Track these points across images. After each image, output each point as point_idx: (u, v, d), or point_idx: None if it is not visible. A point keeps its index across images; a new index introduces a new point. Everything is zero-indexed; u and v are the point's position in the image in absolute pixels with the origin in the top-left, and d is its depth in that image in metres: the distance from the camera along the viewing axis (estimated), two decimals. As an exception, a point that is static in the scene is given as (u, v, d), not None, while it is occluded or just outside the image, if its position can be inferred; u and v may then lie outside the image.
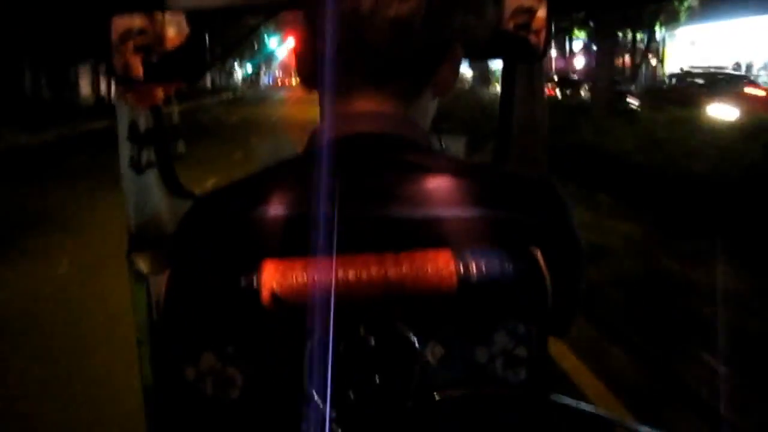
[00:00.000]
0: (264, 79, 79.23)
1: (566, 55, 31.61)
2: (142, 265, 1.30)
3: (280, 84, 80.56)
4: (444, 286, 0.58)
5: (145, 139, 1.35)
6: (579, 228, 0.69)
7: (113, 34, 1.25)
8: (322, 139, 0.69)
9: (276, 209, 0.64)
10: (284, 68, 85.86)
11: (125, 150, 1.33)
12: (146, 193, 1.34)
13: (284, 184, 0.67)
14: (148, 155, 1.35)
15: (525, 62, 1.34)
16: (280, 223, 0.64)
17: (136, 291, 1.27)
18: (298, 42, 0.72)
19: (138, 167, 1.33)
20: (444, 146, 1.35)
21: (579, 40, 30.36)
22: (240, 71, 66.02)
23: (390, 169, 0.66)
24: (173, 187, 1.39)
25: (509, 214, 0.65)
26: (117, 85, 1.32)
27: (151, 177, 1.35)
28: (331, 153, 0.64)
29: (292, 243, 0.62)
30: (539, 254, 0.61)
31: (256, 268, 0.59)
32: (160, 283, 0.61)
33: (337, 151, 0.65)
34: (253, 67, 70.95)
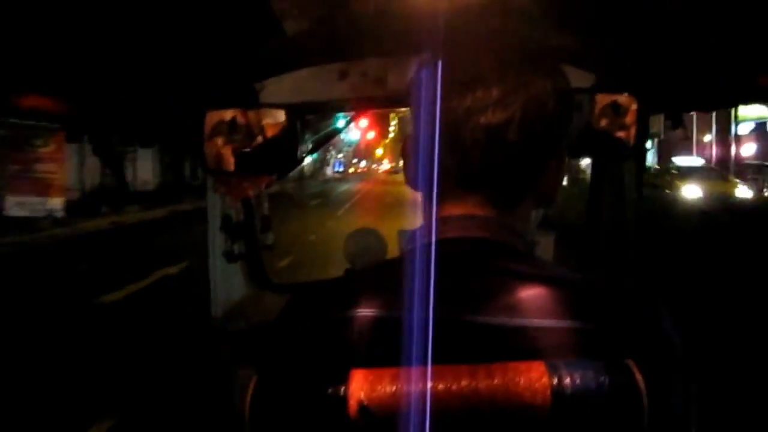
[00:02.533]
0: (332, 166, 60.87)
1: (730, 141, 25.70)
2: (226, 353, 1.34)
3: (352, 172, 64.62)
4: (537, 400, 0.57)
5: (236, 231, 1.41)
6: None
7: (206, 127, 1.35)
8: (416, 241, 0.70)
9: (367, 312, 0.64)
10: (359, 153, 73.45)
11: (217, 240, 1.40)
12: (234, 283, 1.40)
13: (376, 286, 0.67)
14: (239, 247, 1.41)
15: (615, 160, 1.32)
16: (371, 327, 0.64)
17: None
18: (378, 135, 0.74)
19: (230, 257, 1.40)
20: (534, 241, 1.34)
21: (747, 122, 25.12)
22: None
23: (484, 275, 0.66)
24: (260, 279, 1.44)
25: (603, 326, 0.63)
26: (209, 177, 1.41)
27: (240, 268, 1.41)
28: (425, 256, 0.64)
29: (382, 347, 0.61)
30: (635, 367, 0.59)
31: (344, 377, 0.59)
32: (243, 377, 0.62)
33: (432, 255, 0.65)
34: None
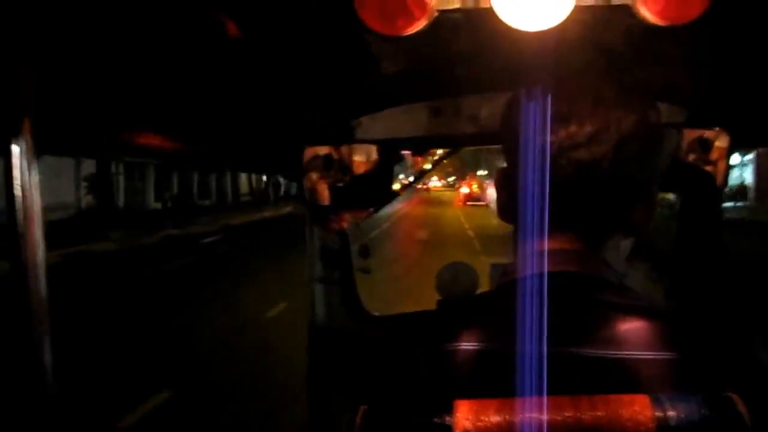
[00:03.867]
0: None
1: None
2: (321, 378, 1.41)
3: (471, 192, 50.53)
4: None
5: (333, 261, 1.50)
6: None
7: (304, 162, 1.44)
8: (514, 275, 0.71)
9: (469, 344, 0.67)
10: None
11: (318, 269, 1.49)
12: (330, 310, 1.47)
13: (476, 320, 0.69)
14: (335, 275, 1.49)
15: (703, 195, 1.29)
16: (474, 359, 0.66)
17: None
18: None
19: (328, 285, 1.48)
20: (624, 272, 1.33)
21: None
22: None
23: (582, 308, 0.67)
24: (354, 308, 1.51)
25: (701, 357, 0.64)
26: (307, 209, 1.51)
27: (336, 295, 1.49)
28: (526, 290, 0.66)
29: (484, 379, 0.64)
30: (738, 400, 0.59)
31: (449, 407, 0.61)
32: (340, 406, 0.66)
33: (531, 289, 0.67)
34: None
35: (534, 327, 0.63)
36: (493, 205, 0.87)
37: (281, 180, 36.38)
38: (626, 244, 0.78)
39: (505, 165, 0.76)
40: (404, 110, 1.46)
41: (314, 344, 1.49)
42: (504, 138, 0.75)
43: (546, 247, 0.71)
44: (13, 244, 0.81)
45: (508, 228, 0.78)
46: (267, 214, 26.87)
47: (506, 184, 0.74)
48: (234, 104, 1.28)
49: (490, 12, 0.71)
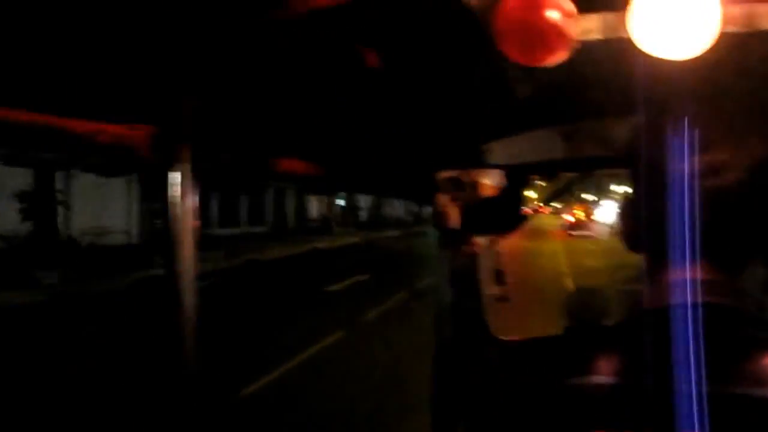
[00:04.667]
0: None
1: None
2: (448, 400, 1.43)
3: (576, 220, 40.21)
4: None
5: (462, 285, 1.51)
6: None
7: (434, 186, 1.47)
8: (647, 305, 0.68)
9: (600, 378, 0.64)
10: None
11: (446, 292, 1.51)
12: (457, 335, 1.48)
13: (609, 350, 0.67)
14: (464, 299, 1.50)
15: None
16: (607, 393, 0.63)
17: None
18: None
19: (458, 311, 1.49)
20: (762, 301, 1.25)
21: None
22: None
23: (727, 343, 0.64)
24: (482, 333, 1.51)
25: None
26: (439, 232, 1.54)
27: (464, 319, 1.49)
28: (659, 322, 0.63)
29: (618, 415, 0.61)
30: None
31: None
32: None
33: (668, 321, 0.64)
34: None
35: (675, 362, 0.60)
36: (601, 236, 0.82)
37: (360, 204, 35.37)
38: (763, 273, 0.72)
39: (630, 191, 0.74)
40: (534, 135, 1.47)
41: (439, 369, 1.49)
42: (631, 163, 0.73)
43: (683, 276, 0.68)
44: (168, 256, 0.99)
45: (620, 276, 0.73)
46: (321, 244, 22.96)
47: (633, 211, 0.72)
48: (370, 130, 1.33)
49: (629, 41, 0.71)
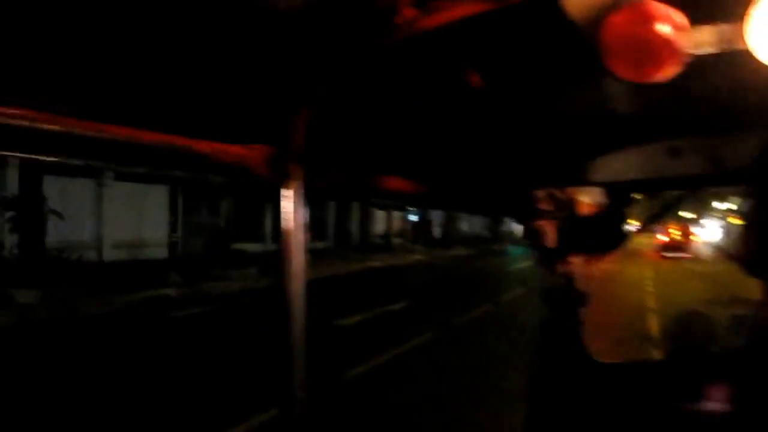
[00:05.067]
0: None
1: None
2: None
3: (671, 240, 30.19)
4: None
5: (558, 304, 1.48)
6: None
7: (532, 204, 1.45)
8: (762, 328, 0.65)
9: (712, 405, 0.62)
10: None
11: (542, 311, 1.49)
12: (551, 354, 1.46)
13: (724, 376, 0.65)
14: (560, 319, 1.48)
15: None
16: (718, 420, 0.61)
17: None
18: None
19: (552, 331, 1.47)
20: None
21: None
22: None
23: None
24: (578, 354, 1.47)
25: None
26: (534, 250, 1.52)
27: (560, 339, 1.47)
28: None
29: None
30: None
31: None
32: None
33: None
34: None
35: None
36: (702, 259, 0.76)
37: (434, 219, 33.99)
38: None
39: (743, 209, 0.70)
40: (638, 151, 1.42)
41: (534, 389, 1.47)
42: (758, 181, 0.69)
43: None
44: (279, 271, 1.07)
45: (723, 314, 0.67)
46: (377, 263, 21.19)
47: (758, 232, 0.68)
48: (469, 148, 1.34)
49: (745, 53, 0.68)
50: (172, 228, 15.98)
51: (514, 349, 6.60)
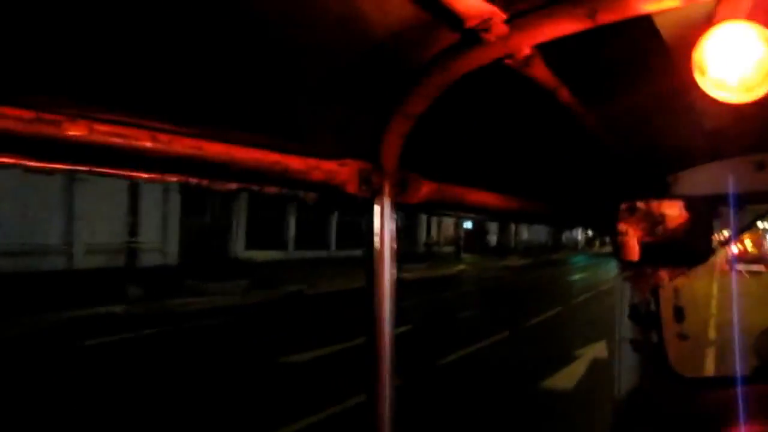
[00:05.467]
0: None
1: None
2: None
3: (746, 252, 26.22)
4: None
5: (644, 320, 1.47)
6: None
7: (618, 217, 1.44)
8: None
9: None
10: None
11: (624, 326, 1.48)
12: (636, 370, 1.44)
13: None
14: (646, 336, 1.46)
15: None
16: None
17: None
18: None
19: (637, 346, 1.46)
20: None
21: None
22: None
23: None
24: (665, 371, 1.45)
25: None
26: (619, 265, 1.51)
27: (645, 356, 1.45)
28: None
29: None
30: None
31: None
32: None
33: None
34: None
35: None
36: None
37: (489, 227, 32.70)
38: None
39: None
40: (724, 164, 1.41)
41: (619, 408, 1.45)
42: None
43: None
44: (368, 282, 1.09)
45: None
46: (408, 275, 17.05)
47: None
48: (557, 161, 1.35)
49: None
50: (131, 231, 13.21)
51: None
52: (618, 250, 1.44)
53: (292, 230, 21.02)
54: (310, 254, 21.03)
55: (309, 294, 14.06)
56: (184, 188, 14.90)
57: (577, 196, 1.54)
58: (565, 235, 43.42)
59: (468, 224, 30.86)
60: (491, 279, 20.54)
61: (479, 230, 31.85)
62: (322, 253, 22.10)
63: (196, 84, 0.84)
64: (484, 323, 10.29)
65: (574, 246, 43.95)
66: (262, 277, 14.12)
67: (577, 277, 20.07)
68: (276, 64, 0.87)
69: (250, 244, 18.76)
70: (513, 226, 34.97)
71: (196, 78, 0.84)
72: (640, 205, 1.44)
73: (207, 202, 17.04)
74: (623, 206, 1.45)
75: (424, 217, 27.43)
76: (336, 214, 23.03)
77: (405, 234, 25.29)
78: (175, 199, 15.36)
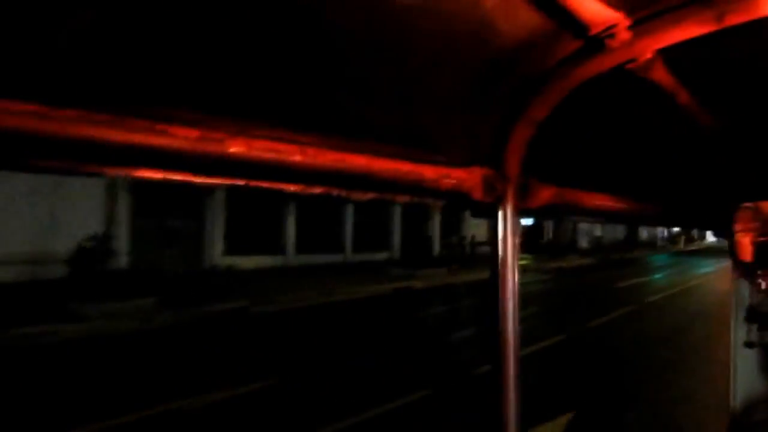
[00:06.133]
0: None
1: None
2: None
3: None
4: None
5: (763, 321, 1.46)
6: None
7: (735, 218, 1.45)
8: None
9: None
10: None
11: (739, 329, 1.48)
12: (756, 372, 1.44)
13: None
14: (762, 336, 1.46)
15: None
16: None
17: None
18: None
19: (757, 348, 1.45)
20: None
21: None
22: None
23: None
24: None
25: None
26: (734, 266, 1.52)
27: (763, 357, 1.45)
28: None
29: None
30: None
31: None
32: None
33: None
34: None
35: None
36: None
37: (546, 224, 30.11)
38: None
39: None
40: None
41: (735, 420, 1.45)
42: None
43: None
44: (491, 291, 1.13)
45: None
46: (420, 283, 15.42)
47: None
48: (673, 163, 1.37)
49: None
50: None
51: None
52: (732, 251, 1.45)
53: (291, 231, 18.45)
54: (319, 259, 18.56)
55: (254, 312, 11.15)
56: (135, 186, 13.53)
57: (691, 197, 1.55)
58: (648, 231, 39.77)
59: (527, 221, 28.83)
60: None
61: (536, 227, 29.47)
62: (337, 258, 19.45)
63: (340, 99, 0.87)
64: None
65: (652, 244, 39.94)
66: (205, 290, 11.43)
67: (642, 281, 16.87)
68: (410, 76, 0.90)
69: (233, 249, 16.18)
70: (560, 221, 30.84)
71: (341, 93, 0.87)
72: (754, 205, 1.44)
73: (170, 201, 14.70)
74: (737, 206, 1.45)
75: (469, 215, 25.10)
76: (351, 211, 20.31)
77: (445, 231, 23.55)
78: (125, 199, 13.71)
